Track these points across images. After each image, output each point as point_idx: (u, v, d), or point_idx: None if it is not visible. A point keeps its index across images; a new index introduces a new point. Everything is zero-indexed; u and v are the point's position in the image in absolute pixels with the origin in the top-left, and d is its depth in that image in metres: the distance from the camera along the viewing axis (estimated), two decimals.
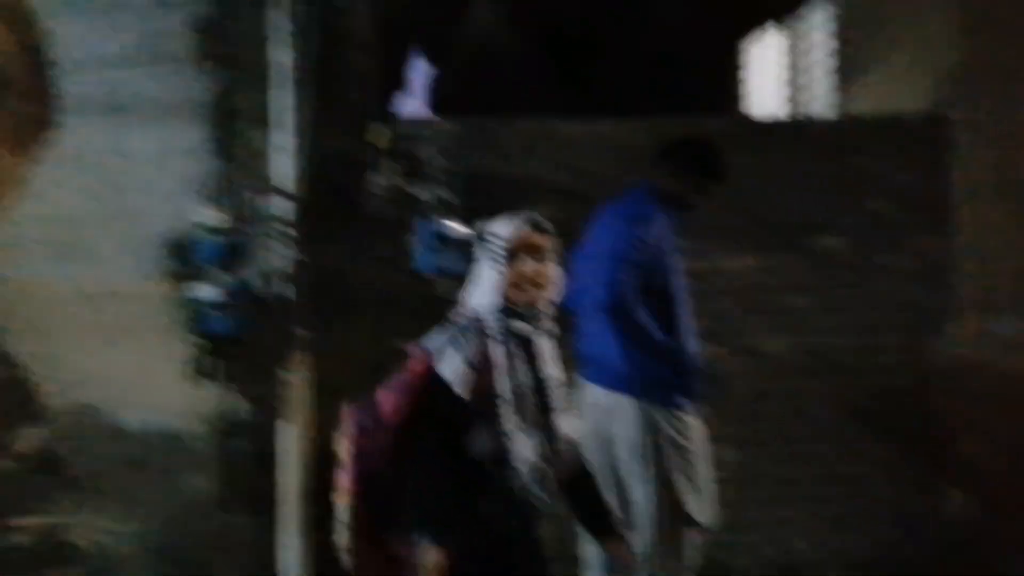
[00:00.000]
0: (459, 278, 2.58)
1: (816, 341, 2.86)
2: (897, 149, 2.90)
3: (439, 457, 1.14)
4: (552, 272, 1.25)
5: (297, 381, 2.62)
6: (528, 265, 1.21)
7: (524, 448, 1.17)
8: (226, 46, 2.64)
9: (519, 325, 1.23)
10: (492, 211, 2.59)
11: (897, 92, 3.17)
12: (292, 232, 2.62)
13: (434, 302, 2.65)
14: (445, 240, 2.58)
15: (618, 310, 1.84)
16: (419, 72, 4.32)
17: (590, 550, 1.86)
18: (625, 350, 1.86)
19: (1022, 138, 2.80)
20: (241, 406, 2.61)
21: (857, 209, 2.89)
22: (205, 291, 2.52)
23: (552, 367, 1.27)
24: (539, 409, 1.24)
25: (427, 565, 1.11)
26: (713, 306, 2.68)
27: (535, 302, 1.23)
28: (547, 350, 1.28)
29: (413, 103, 4.29)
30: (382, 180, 2.59)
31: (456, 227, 2.58)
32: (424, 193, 2.62)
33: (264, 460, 2.62)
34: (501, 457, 1.15)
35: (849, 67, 3.56)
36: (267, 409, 2.64)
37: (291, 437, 2.59)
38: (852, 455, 2.87)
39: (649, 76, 5.11)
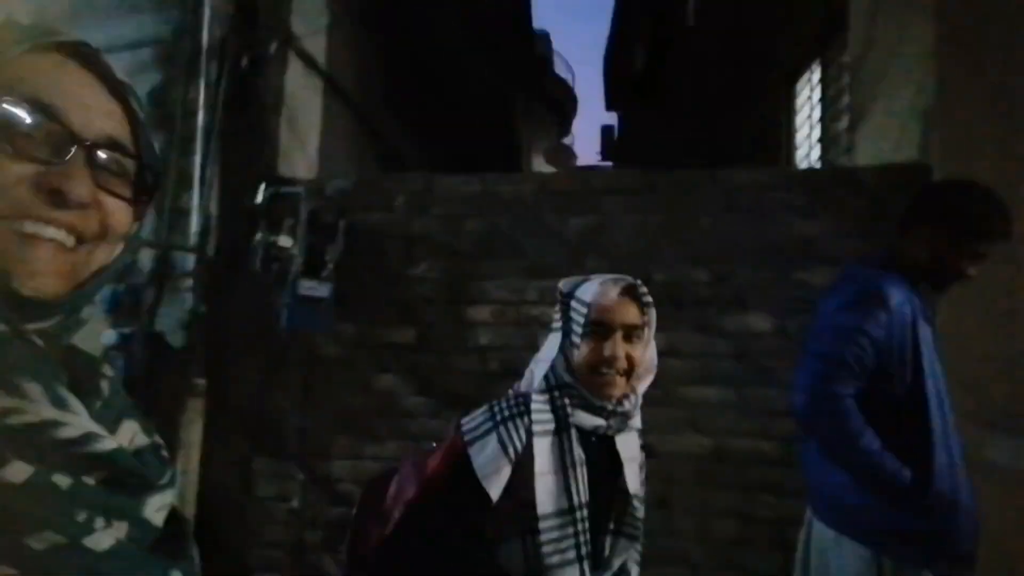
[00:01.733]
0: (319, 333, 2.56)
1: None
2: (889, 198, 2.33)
3: (435, 551, 0.88)
4: (644, 354, 0.97)
5: (189, 423, 2.71)
6: (613, 342, 0.93)
7: None
8: (164, 113, 2.91)
9: (587, 418, 0.93)
10: (379, 266, 2.57)
11: (894, 140, 2.59)
12: (190, 284, 2.77)
13: (317, 356, 2.64)
14: (303, 300, 2.55)
15: (818, 425, 1.37)
16: None
17: None
18: (849, 480, 1.37)
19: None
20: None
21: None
22: (104, 336, 2.73)
23: (634, 481, 0.95)
24: (610, 532, 0.92)
25: None
26: None
27: (615, 390, 0.93)
28: (632, 457, 0.96)
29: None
30: (256, 236, 2.64)
31: (313, 285, 2.55)
32: (292, 249, 2.62)
33: None
34: None
35: (854, 117, 3.00)
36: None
37: (184, 476, 2.68)
38: None
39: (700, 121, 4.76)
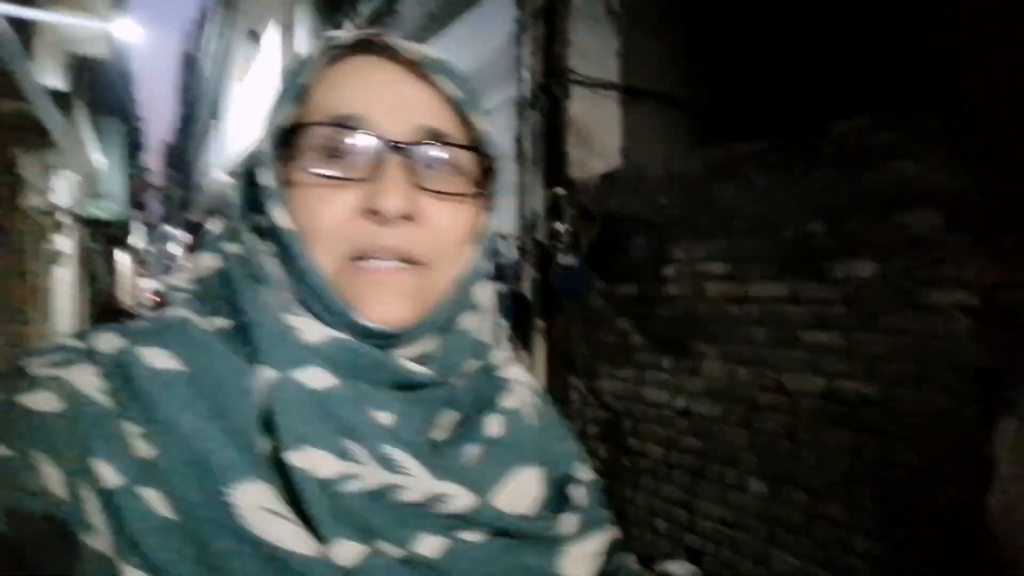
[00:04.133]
0: (576, 298, 3.72)
1: (834, 385, 2.45)
2: (944, 148, 2.11)
3: None
4: None
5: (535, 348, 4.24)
6: None
7: None
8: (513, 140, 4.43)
9: None
10: (621, 242, 3.58)
11: None
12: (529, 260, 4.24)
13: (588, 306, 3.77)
14: (563, 268, 3.69)
15: None
16: None
17: None
18: None
19: None
20: None
21: (890, 229, 2.27)
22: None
23: None
24: None
25: None
26: (746, 334, 2.82)
27: None
28: None
29: None
30: (560, 225, 3.90)
31: (568, 259, 3.65)
32: (564, 232, 3.78)
33: None
34: None
35: None
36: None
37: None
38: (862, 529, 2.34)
39: None
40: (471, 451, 0.48)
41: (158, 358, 0.43)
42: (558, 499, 0.51)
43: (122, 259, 19.62)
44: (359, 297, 0.45)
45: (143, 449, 0.40)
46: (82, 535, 0.37)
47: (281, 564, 0.38)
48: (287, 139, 0.47)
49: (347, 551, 0.39)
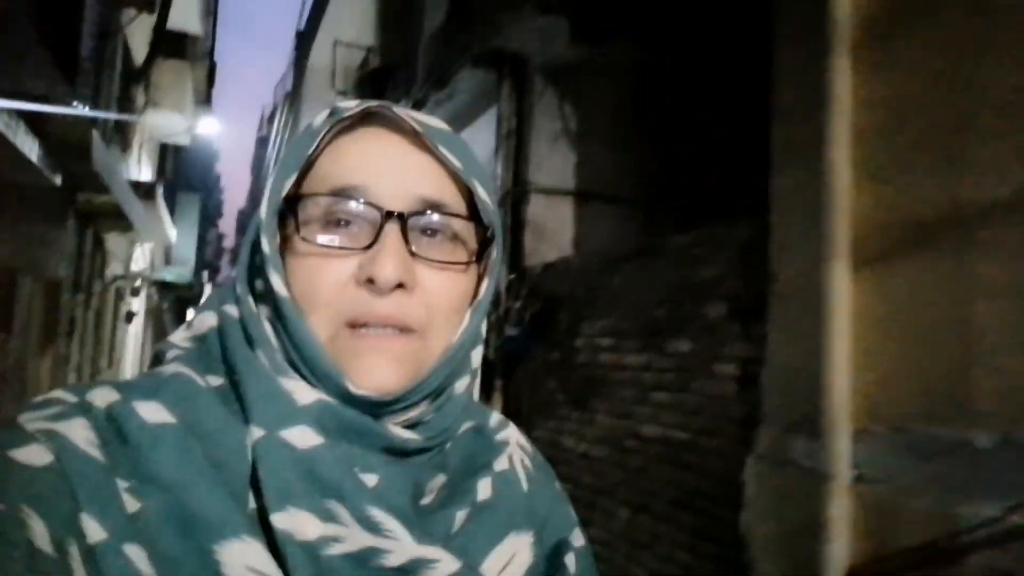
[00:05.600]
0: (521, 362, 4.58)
1: (668, 433, 3.23)
2: (735, 259, 2.96)
3: None
4: None
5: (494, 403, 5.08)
6: None
7: None
8: None
9: None
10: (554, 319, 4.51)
11: None
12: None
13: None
14: (508, 337, 4.58)
15: None
16: None
17: None
18: None
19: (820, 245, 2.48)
20: None
21: (699, 316, 3.10)
22: None
23: None
24: None
25: None
26: (621, 393, 3.64)
27: None
28: None
29: None
30: (513, 302, 4.81)
31: (512, 330, 4.55)
32: (516, 309, 4.70)
33: None
34: None
35: None
36: None
37: None
38: (685, 541, 3.07)
39: None
40: (459, 516, 0.47)
41: (151, 412, 0.42)
42: (550, 566, 0.51)
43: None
44: (352, 364, 0.45)
45: (131, 503, 0.39)
46: None
47: None
48: (290, 207, 0.47)
49: None
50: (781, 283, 2.62)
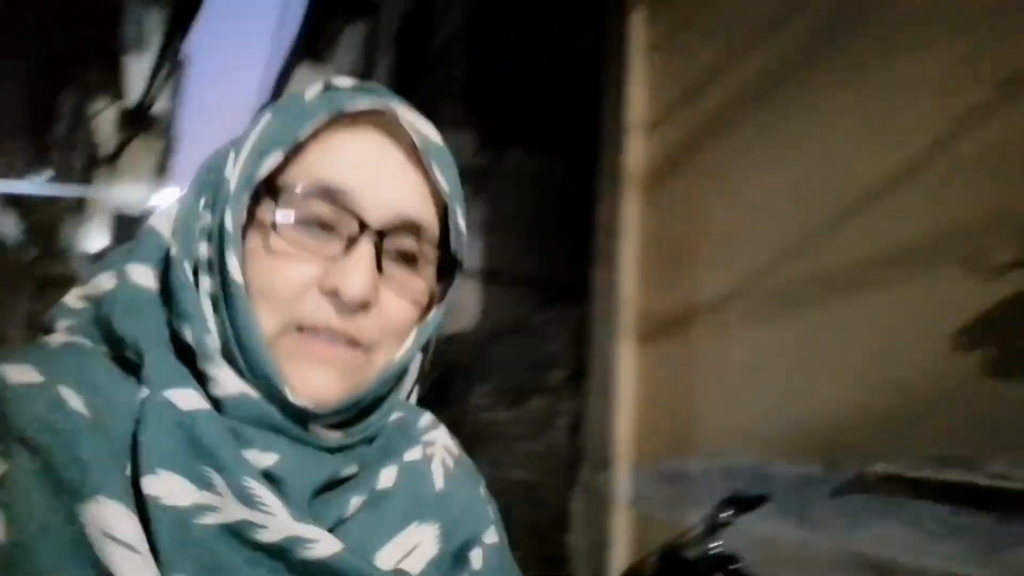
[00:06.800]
0: None
1: (526, 476, 4.03)
2: (572, 335, 3.84)
3: None
4: None
5: None
6: None
7: None
8: None
9: None
10: None
11: None
12: None
13: None
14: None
15: None
16: None
17: None
18: None
19: (614, 328, 3.39)
20: None
21: (547, 380, 3.96)
22: None
23: None
24: None
25: None
26: (496, 446, 4.42)
27: None
28: None
29: None
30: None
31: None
32: None
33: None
34: None
35: None
36: None
37: None
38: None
39: None
40: (354, 501, 0.46)
41: (19, 373, 0.40)
42: (455, 560, 0.50)
43: None
44: (293, 368, 0.44)
45: None
46: None
47: None
48: (270, 191, 0.45)
49: None
50: (593, 355, 3.50)
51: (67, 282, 7.83)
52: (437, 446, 0.58)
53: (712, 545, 2.08)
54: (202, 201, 0.47)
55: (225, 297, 0.44)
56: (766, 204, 2.74)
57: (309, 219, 0.45)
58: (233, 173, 0.45)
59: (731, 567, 2.03)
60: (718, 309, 2.91)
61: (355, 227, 0.45)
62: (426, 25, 6.92)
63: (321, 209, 0.45)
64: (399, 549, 0.47)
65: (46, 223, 5.83)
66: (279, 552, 0.40)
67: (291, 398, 0.43)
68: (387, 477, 0.50)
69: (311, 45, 8.28)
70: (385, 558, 0.46)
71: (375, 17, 8.16)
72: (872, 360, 2.27)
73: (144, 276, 0.46)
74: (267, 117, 0.48)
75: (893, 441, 2.18)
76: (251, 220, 0.46)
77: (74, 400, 0.40)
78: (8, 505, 0.36)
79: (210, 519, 0.39)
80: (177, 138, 14.66)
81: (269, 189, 0.45)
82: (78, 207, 9.50)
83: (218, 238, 0.44)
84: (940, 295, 2.09)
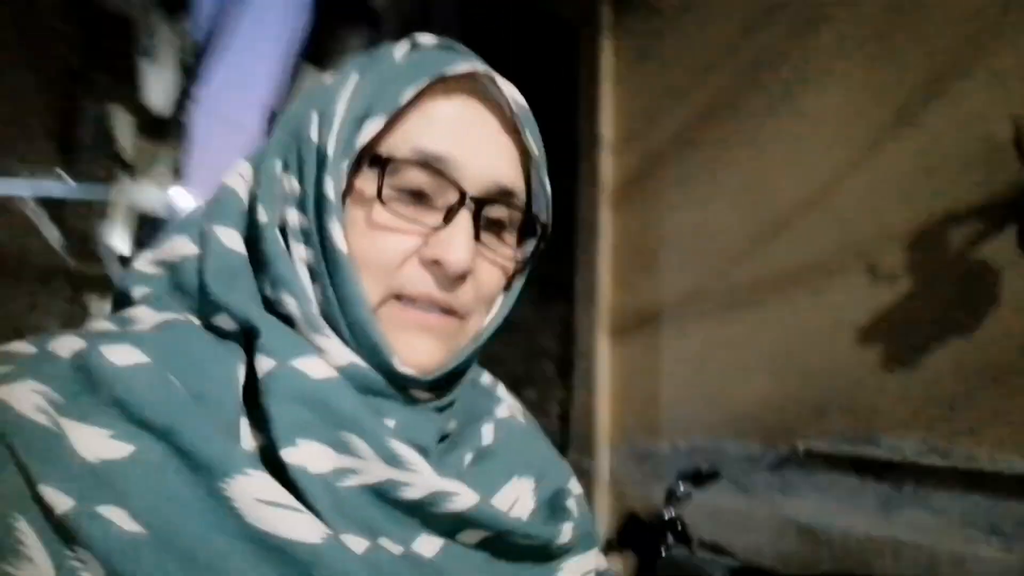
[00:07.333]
0: None
1: None
2: (560, 331, 4.26)
3: None
4: None
5: None
6: None
7: None
8: None
9: None
10: None
11: None
12: None
13: None
14: None
15: None
16: None
17: None
18: None
19: (593, 323, 3.79)
20: None
21: (540, 372, 4.38)
22: None
23: None
24: None
25: None
26: None
27: None
28: None
29: None
30: None
31: None
32: None
33: None
34: None
35: None
36: None
37: None
38: None
39: None
40: (467, 458, 0.48)
41: (122, 355, 0.39)
42: (551, 510, 0.51)
43: None
44: (396, 337, 0.45)
45: (110, 450, 0.36)
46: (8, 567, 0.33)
47: (288, 558, 0.35)
48: (375, 162, 0.44)
49: (355, 545, 0.38)
50: (576, 349, 3.91)
51: (102, 283, 8.38)
52: (507, 400, 0.59)
53: (664, 511, 2.52)
54: (281, 165, 0.46)
55: (328, 266, 0.43)
56: (713, 217, 3.12)
57: (410, 188, 0.45)
58: (329, 139, 0.44)
59: (677, 527, 2.47)
60: (676, 308, 3.30)
61: (454, 196, 0.45)
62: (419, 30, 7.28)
63: (421, 178, 0.45)
64: (505, 502, 0.48)
65: (76, 226, 6.34)
66: (423, 506, 0.41)
67: (398, 367, 0.43)
68: (487, 434, 0.51)
69: (315, 52, 8.67)
70: (500, 507, 0.46)
71: (377, 24, 8.52)
72: (794, 354, 2.66)
73: (234, 240, 0.45)
74: (354, 78, 0.47)
75: (814, 421, 2.58)
76: (349, 187, 0.45)
77: (185, 378, 0.39)
78: (135, 491, 0.35)
79: (353, 480, 0.39)
80: (191, 142, 15.16)
81: (368, 156, 0.45)
82: (102, 209, 10.06)
83: (316, 207, 0.44)
84: (846, 298, 2.48)
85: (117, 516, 0.34)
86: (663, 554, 2.40)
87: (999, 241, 2.05)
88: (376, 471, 0.40)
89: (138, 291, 0.45)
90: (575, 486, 0.56)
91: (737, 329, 2.95)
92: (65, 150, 7.05)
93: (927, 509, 2.22)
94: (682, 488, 2.58)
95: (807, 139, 2.70)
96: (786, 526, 2.64)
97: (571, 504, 0.51)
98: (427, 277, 0.45)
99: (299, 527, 0.35)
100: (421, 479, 0.41)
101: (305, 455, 0.38)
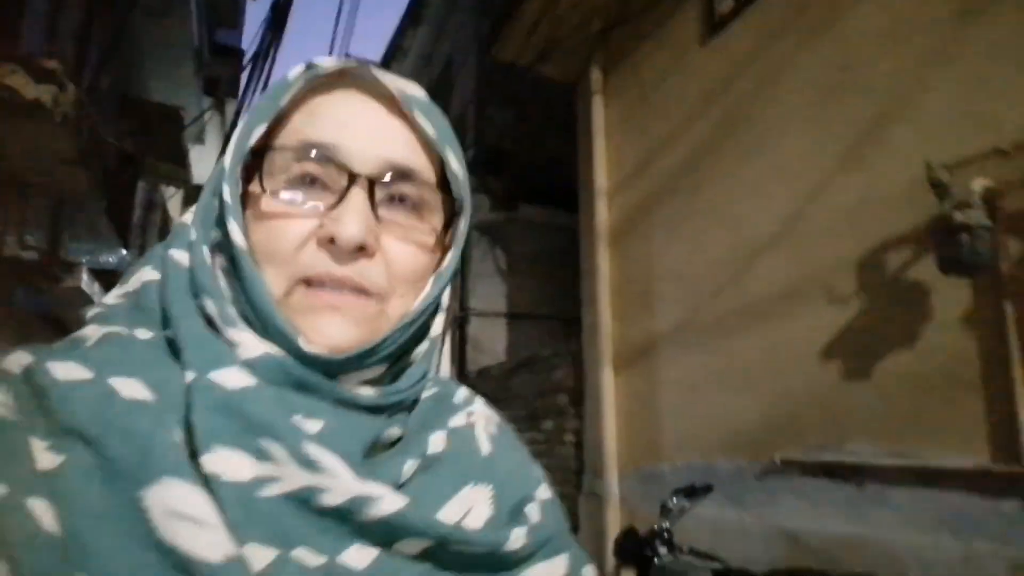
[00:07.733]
0: None
1: None
2: (572, 366, 4.58)
3: None
4: None
5: None
6: None
7: None
8: None
9: None
10: None
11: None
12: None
13: None
14: None
15: None
16: None
17: None
18: None
19: (598, 357, 4.11)
20: None
21: (554, 404, 4.68)
22: None
23: None
24: None
25: None
26: None
27: None
28: None
29: None
30: None
31: None
32: None
33: None
34: None
35: None
36: None
37: None
38: None
39: None
40: (408, 464, 0.46)
41: (65, 370, 0.41)
42: (511, 517, 0.49)
43: None
44: (306, 320, 0.45)
45: (49, 459, 0.38)
46: None
47: (189, 573, 0.35)
48: (256, 158, 0.47)
49: (262, 557, 0.37)
50: (586, 381, 4.22)
51: None
52: (478, 415, 0.57)
53: (658, 524, 2.80)
54: (211, 191, 0.50)
55: (233, 265, 0.46)
56: (695, 255, 3.45)
57: (297, 177, 0.47)
58: (228, 153, 0.48)
59: (669, 539, 2.74)
60: (668, 340, 3.61)
61: (344, 177, 0.46)
62: (446, 97, 7.87)
63: (310, 167, 0.47)
64: (457, 510, 0.47)
65: None
66: (345, 513, 0.40)
67: (304, 347, 0.43)
68: (436, 442, 0.49)
69: None
70: (444, 519, 0.45)
71: None
72: (767, 375, 2.95)
73: (185, 259, 0.48)
74: (255, 101, 0.61)
75: (789, 434, 2.84)
76: (249, 195, 0.48)
77: (126, 389, 0.40)
78: (63, 498, 0.36)
79: (272, 490, 0.39)
80: None
81: (259, 160, 0.47)
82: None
83: (219, 211, 0.47)
84: (809, 322, 2.77)
85: (42, 512, 0.35)
86: (655, 562, 2.67)
87: (926, 264, 2.34)
88: (294, 478, 0.40)
89: (90, 313, 0.48)
90: (543, 493, 0.54)
91: (721, 356, 3.24)
92: (121, 228, 7.72)
93: (887, 506, 2.46)
94: (675, 502, 2.85)
95: (771, 181, 3.04)
96: (772, 531, 2.89)
97: (531, 510, 0.50)
98: (325, 256, 0.45)
99: (201, 543, 0.36)
100: (339, 484, 0.40)
101: (221, 463, 0.38)
